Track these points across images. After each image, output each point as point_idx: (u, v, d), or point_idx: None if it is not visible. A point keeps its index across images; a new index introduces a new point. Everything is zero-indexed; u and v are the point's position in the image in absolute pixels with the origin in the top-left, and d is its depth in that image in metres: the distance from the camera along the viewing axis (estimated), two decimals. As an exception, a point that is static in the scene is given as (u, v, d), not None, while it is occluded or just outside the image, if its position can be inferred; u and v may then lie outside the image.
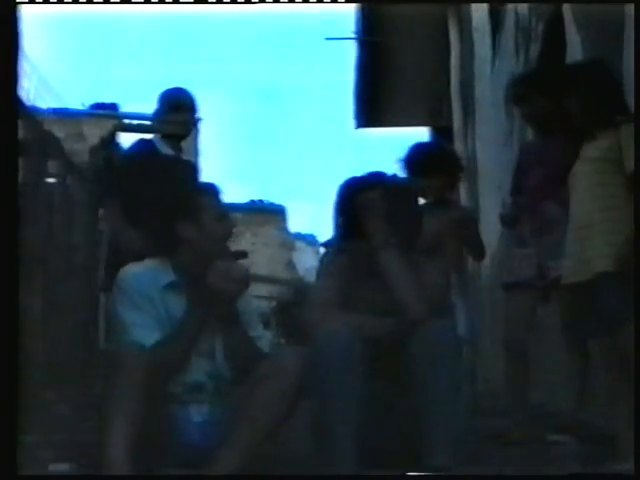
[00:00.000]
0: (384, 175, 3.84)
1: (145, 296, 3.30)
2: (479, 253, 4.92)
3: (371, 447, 3.34)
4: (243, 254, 5.60)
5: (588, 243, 3.74)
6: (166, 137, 5.34)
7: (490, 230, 6.86)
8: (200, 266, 3.35)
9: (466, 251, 4.89)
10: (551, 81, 4.66)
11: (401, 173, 4.54)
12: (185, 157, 5.42)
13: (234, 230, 3.54)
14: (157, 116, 5.38)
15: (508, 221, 4.76)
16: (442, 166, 4.73)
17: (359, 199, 3.70)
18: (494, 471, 3.60)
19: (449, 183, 4.85)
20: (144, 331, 3.26)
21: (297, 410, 3.29)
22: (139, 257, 3.52)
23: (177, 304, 3.35)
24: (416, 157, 4.71)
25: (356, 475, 3.28)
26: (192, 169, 5.29)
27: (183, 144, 5.42)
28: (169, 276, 3.37)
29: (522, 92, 4.68)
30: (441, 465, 3.27)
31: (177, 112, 5.27)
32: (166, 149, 5.28)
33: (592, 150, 3.80)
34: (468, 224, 4.79)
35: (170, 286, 3.36)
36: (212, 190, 3.49)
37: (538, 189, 4.49)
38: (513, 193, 4.81)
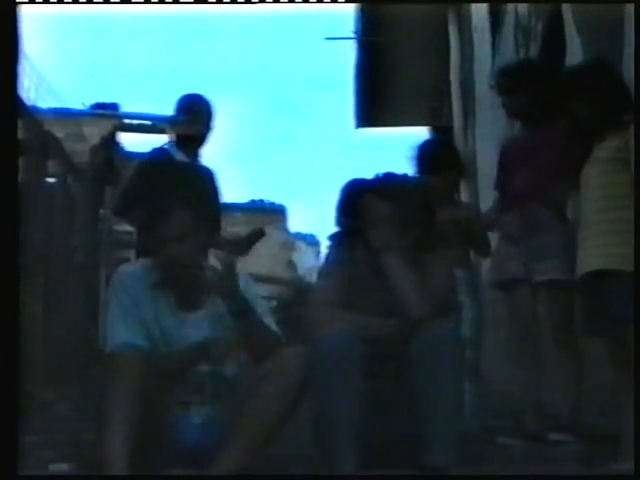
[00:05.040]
0: (394, 176, 3.84)
1: (132, 298, 3.33)
2: (485, 250, 4.91)
3: (371, 447, 3.34)
4: (260, 233, 5.58)
5: (596, 242, 3.75)
6: (181, 144, 5.33)
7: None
8: (178, 269, 3.36)
9: (472, 249, 4.89)
10: (536, 74, 4.68)
11: (409, 171, 4.54)
12: (200, 163, 5.39)
13: (218, 222, 3.52)
14: (172, 120, 5.40)
15: (489, 223, 4.76)
16: (450, 163, 4.73)
17: (360, 202, 3.71)
18: (494, 471, 3.60)
19: (456, 180, 4.85)
20: (134, 329, 3.27)
21: (298, 410, 3.29)
22: None
23: (165, 303, 3.37)
24: (425, 154, 4.71)
25: (356, 475, 3.28)
26: (202, 175, 5.26)
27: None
28: (155, 274, 3.39)
29: (507, 84, 4.67)
30: (441, 465, 3.27)
31: (193, 117, 5.27)
32: (180, 156, 5.27)
33: (602, 151, 3.81)
34: (474, 221, 4.78)
35: (157, 285, 3.37)
36: (186, 203, 3.45)
37: (525, 188, 4.48)
38: (497, 193, 4.80)
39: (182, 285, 3.37)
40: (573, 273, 4.17)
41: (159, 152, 5.38)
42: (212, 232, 4.16)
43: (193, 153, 5.32)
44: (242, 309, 3.32)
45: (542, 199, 4.35)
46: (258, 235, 5.56)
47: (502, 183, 4.68)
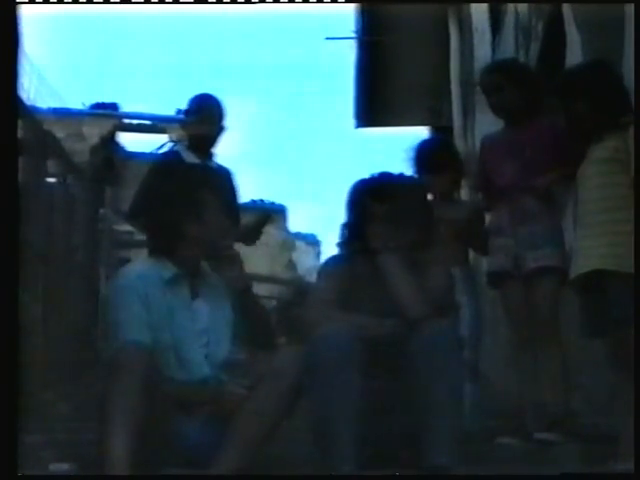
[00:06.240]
0: (391, 176, 3.85)
1: (141, 298, 3.32)
2: (484, 248, 4.92)
3: (371, 447, 3.34)
4: (266, 218, 5.59)
5: (594, 242, 3.76)
6: (192, 145, 5.32)
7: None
8: (202, 257, 3.43)
9: (471, 247, 4.90)
10: (522, 70, 4.70)
11: (409, 171, 4.55)
12: (215, 163, 5.37)
13: (238, 220, 3.65)
14: (182, 121, 5.38)
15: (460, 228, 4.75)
16: (449, 163, 4.75)
17: (358, 202, 3.72)
18: (494, 471, 3.60)
19: (455, 180, 4.86)
20: (141, 329, 3.27)
21: (297, 410, 3.30)
22: None
23: (180, 297, 3.38)
24: (424, 154, 4.72)
25: (356, 475, 3.28)
26: (218, 174, 5.22)
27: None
28: (170, 270, 3.39)
29: (493, 81, 4.68)
30: (441, 464, 3.26)
31: (203, 117, 5.25)
32: (190, 157, 5.25)
33: (600, 151, 3.82)
34: (474, 220, 4.78)
35: (172, 280, 3.38)
36: (215, 184, 3.54)
37: (513, 181, 4.49)
38: (482, 189, 4.81)
39: (197, 274, 3.47)
40: (564, 261, 4.21)
41: (168, 155, 5.38)
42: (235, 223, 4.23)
43: (205, 154, 5.30)
44: (247, 285, 3.51)
45: (530, 190, 4.39)
46: (265, 220, 5.56)
47: (487, 180, 4.69)
